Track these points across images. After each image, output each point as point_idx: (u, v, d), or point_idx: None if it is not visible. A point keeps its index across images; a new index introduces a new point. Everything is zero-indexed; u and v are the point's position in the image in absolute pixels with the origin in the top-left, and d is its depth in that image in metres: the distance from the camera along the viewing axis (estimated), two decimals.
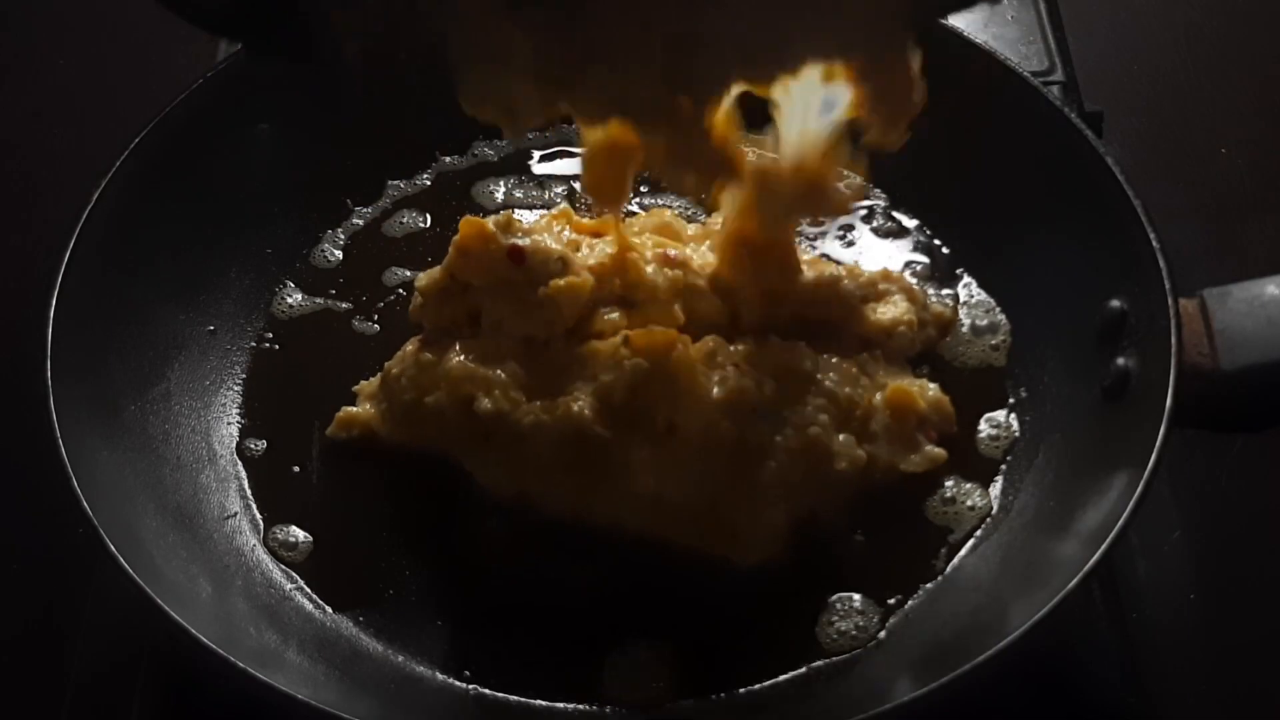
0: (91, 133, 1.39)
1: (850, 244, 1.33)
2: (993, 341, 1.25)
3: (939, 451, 1.17)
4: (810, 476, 1.11)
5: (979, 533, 1.14)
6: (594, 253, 1.18)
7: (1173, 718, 1.15)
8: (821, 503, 1.13)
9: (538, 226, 1.20)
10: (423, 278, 1.19)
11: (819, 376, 1.14)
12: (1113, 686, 1.14)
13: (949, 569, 1.12)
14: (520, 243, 1.15)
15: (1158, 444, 1.02)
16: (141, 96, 1.38)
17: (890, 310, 1.24)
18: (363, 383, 1.21)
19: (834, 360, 1.17)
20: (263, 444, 1.20)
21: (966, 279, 1.30)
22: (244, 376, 1.24)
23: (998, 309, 1.27)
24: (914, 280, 1.28)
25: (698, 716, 1.04)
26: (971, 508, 1.15)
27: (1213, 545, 1.24)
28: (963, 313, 1.27)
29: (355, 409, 1.19)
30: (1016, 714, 1.09)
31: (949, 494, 1.16)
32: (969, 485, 1.16)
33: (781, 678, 1.06)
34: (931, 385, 1.20)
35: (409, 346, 1.18)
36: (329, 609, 1.11)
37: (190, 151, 1.25)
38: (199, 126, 1.26)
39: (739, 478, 1.10)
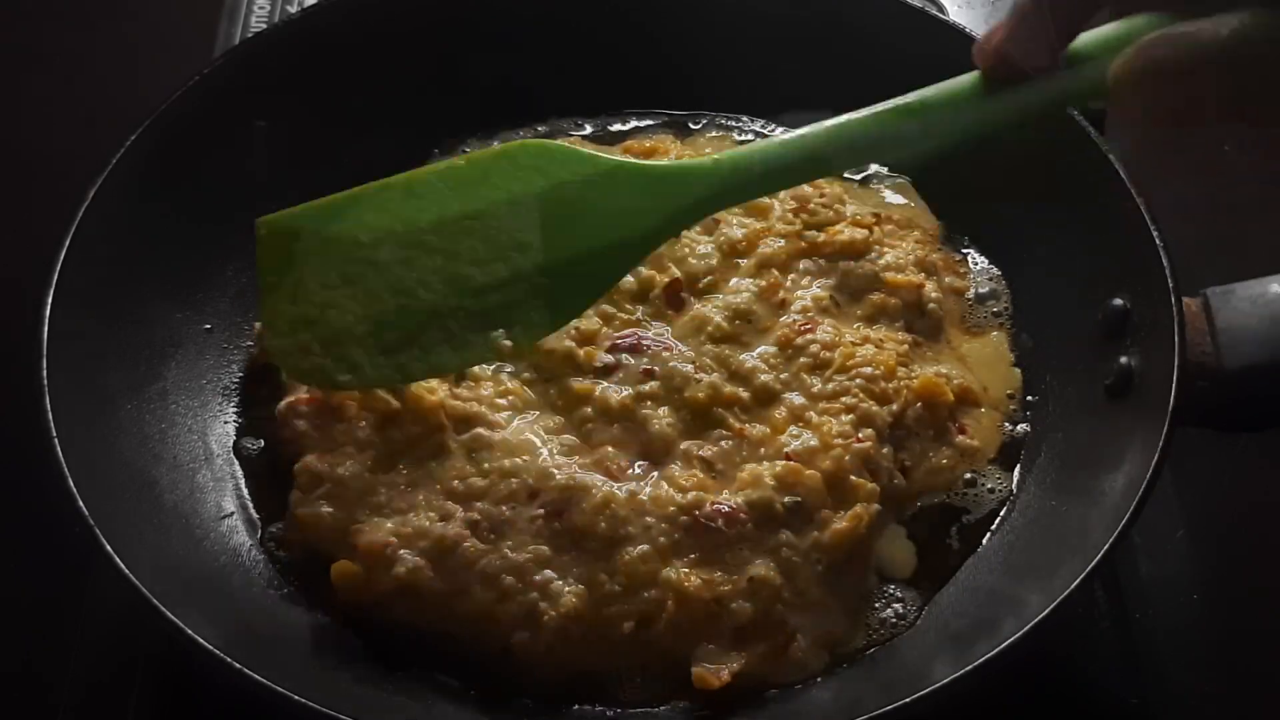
0: (88, 130, 1.38)
1: None
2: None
3: (973, 443, 1.17)
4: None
5: (989, 529, 1.14)
6: None
7: (1176, 717, 1.15)
8: None
9: None
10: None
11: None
12: (1116, 686, 1.14)
13: (958, 570, 1.12)
14: None
15: (1160, 443, 1.02)
16: (138, 94, 1.37)
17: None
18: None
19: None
20: (260, 443, 1.20)
21: (969, 276, 1.29)
22: (241, 375, 1.24)
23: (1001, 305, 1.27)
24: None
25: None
26: (991, 490, 1.15)
27: (1216, 545, 1.24)
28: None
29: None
30: (1019, 713, 1.09)
31: (968, 475, 1.17)
32: (989, 466, 1.17)
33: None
34: (956, 373, 1.20)
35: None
36: (326, 609, 1.10)
37: (186, 149, 1.25)
38: (195, 124, 1.25)
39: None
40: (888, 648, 1.07)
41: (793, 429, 1.12)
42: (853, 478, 1.09)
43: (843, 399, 1.13)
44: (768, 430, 1.12)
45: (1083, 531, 1.02)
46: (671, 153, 1.32)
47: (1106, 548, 0.98)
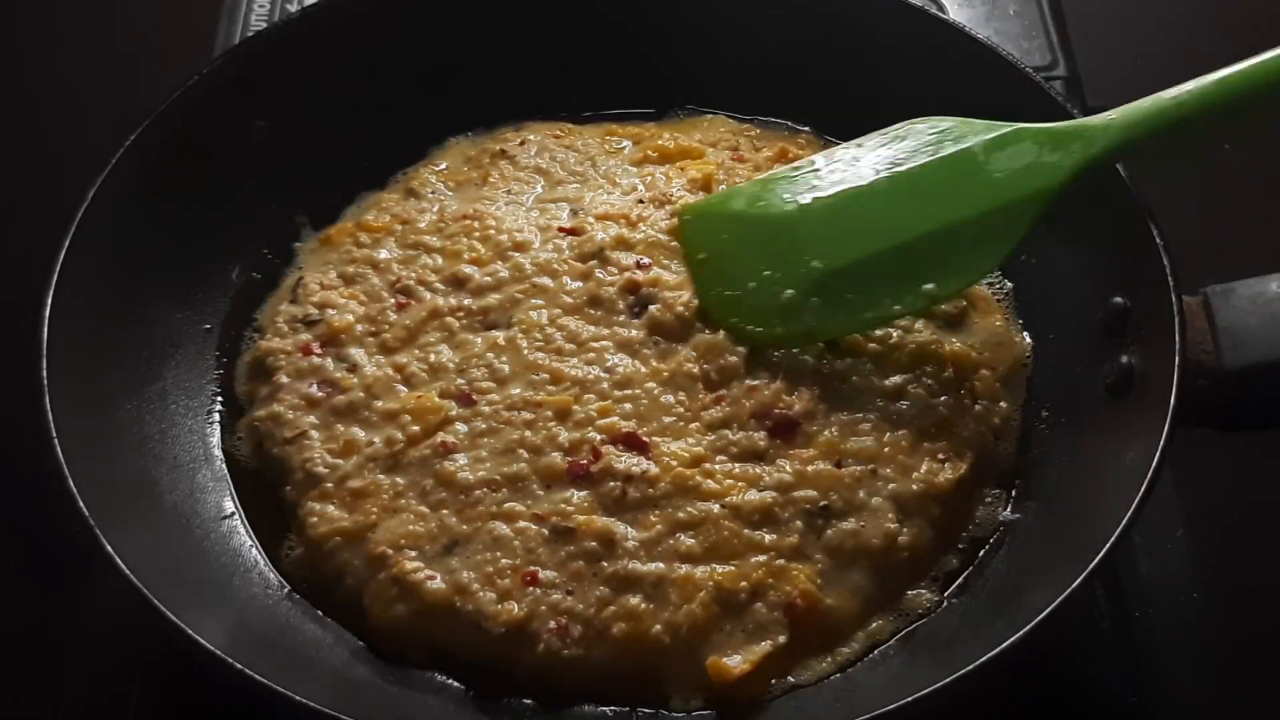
0: (89, 130, 1.39)
1: None
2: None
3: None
4: None
5: (989, 528, 1.14)
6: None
7: (1176, 716, 1.15)
8: None
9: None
10: None
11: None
12: (1116, 685, 1.14)
13: (958, 570, 1.12)
14: None
15: (1161, 442, 1.02)
16: (138, 94, 1.37)
17: None
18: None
19: None
20: (259, 443, 1.18)
21: None
22: (241, 375, 1.23)
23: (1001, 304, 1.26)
24: None
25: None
26: (988, 501, 1.15)
27: (1216, 544, 1.24)
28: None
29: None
30: (1020, 712, 1.09)
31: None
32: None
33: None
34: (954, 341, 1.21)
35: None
36: (326, 609, 1.10)
37: (186, 149, 1.24)
38: (195, 124, 1.25)
39: None
40: (888, 647, 1.07)
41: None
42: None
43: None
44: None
45: (1083, 531, 1.02)
46: (664, 135, 1.35)
47: (1107, 548, 0.98)
